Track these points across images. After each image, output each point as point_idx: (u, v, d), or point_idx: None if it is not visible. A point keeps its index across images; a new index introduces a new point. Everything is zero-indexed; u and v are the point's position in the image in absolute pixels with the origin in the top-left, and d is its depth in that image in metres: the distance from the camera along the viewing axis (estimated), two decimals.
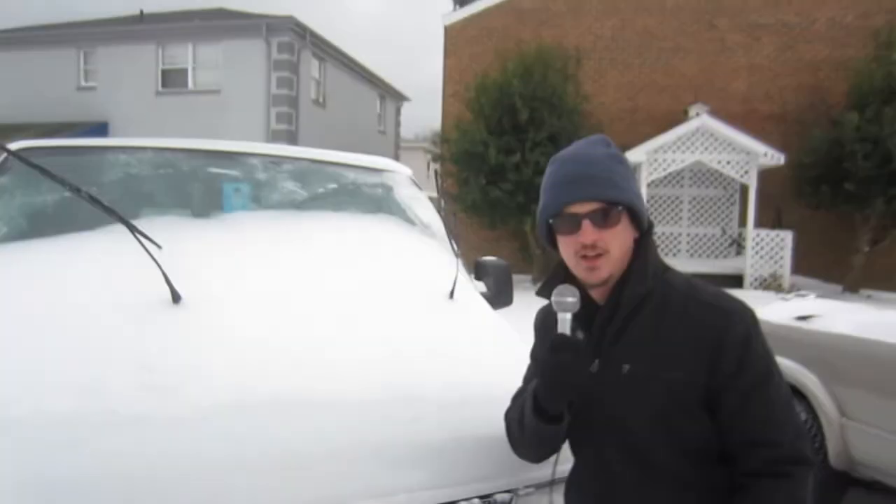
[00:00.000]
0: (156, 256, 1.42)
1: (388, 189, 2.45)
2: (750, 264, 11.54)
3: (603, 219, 1.06)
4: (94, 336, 1.29)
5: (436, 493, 1.25)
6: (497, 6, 14.25)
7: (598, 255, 1.07)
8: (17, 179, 1.98)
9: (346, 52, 19.46)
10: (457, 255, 2.03)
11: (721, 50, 13.65)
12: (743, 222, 12.46)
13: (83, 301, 1.40)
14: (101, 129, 16.70)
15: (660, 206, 13.40)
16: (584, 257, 1.08)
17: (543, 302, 1.18)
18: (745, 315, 1.06)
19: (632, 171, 1.14)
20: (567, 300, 1.04)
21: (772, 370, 1.04)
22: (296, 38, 16.60)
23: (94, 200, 1.49)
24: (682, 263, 11.63)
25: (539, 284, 1.17)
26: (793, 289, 10.36)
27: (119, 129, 16.55)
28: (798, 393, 3.05)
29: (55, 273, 1.53)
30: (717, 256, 13.25)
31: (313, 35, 17.21)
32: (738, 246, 12.79)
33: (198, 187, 2.21)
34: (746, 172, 11.60)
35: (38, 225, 1.86)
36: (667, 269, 1.15)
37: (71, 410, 1.12)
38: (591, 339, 1.12)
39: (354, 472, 1.20)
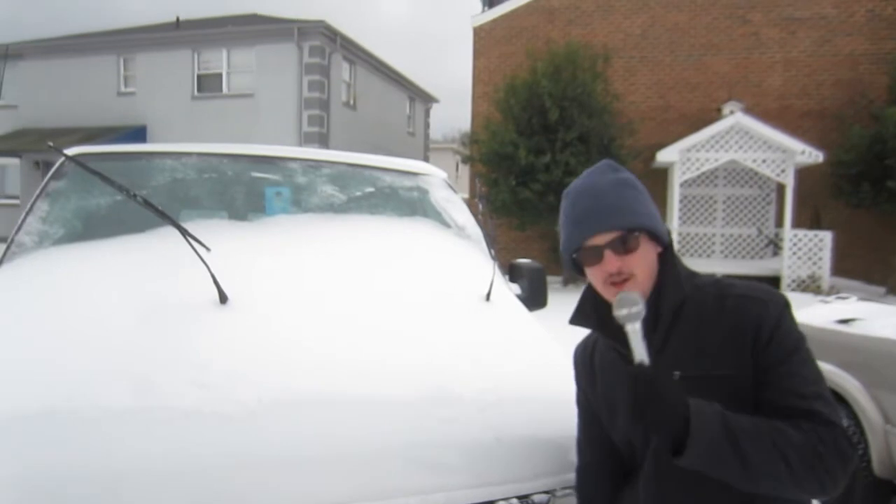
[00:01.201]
0: (205, 258, 1.48)
1: (424, 192, 2.48)
2: (787, 265, 11.22)
3: (623, 246, 1.10)
4: (146, 334, 1.35)
5: (474, 492, 1.27)
6: (526, 6, 14.16)
7: (625, 280, 1.11)
8: (72, 184, 2.07)
9: (376, 55, 19.64)
10: (493, 259, 2.05)
11: (755, 45, 13.29)
12: (780, 222, 12.13)
13: (136, 300, 1.46)
14: (139, 132, 17.23)
15: (693, 206, 13.14)
16: (613, 283, 1.12)
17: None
18: (780, 301, 1.10)
19: (643, 190, 1.17)
20: (632, 311, 1.05)
21: (800, 346, 1.06)
22: (326, 41, 16.83)
23: (148, 205, 1.56)
24: (717, 265, 11.39)
25: (572, 314, 1.21)
26: (832, 291, 10.05)
27: (157, 133, 17.06)
28: (840, 399, 2.97)
29: (110, 273, 1.60)
30: (752, 257, 12.93)
31: (343, 38, 17.42)
32: (775, 247, 12.45)
33: (241, 191, 2.27)
34: (783, 171, 11.28)
35: (91, 227, 1.94)
36: (694, 274, 1.18)
37: (128, 405, 1.17)
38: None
39: (393, 469, 1.22)
